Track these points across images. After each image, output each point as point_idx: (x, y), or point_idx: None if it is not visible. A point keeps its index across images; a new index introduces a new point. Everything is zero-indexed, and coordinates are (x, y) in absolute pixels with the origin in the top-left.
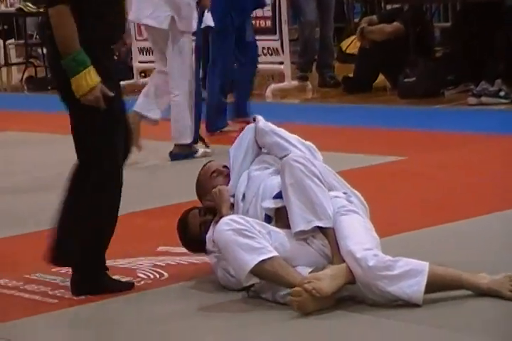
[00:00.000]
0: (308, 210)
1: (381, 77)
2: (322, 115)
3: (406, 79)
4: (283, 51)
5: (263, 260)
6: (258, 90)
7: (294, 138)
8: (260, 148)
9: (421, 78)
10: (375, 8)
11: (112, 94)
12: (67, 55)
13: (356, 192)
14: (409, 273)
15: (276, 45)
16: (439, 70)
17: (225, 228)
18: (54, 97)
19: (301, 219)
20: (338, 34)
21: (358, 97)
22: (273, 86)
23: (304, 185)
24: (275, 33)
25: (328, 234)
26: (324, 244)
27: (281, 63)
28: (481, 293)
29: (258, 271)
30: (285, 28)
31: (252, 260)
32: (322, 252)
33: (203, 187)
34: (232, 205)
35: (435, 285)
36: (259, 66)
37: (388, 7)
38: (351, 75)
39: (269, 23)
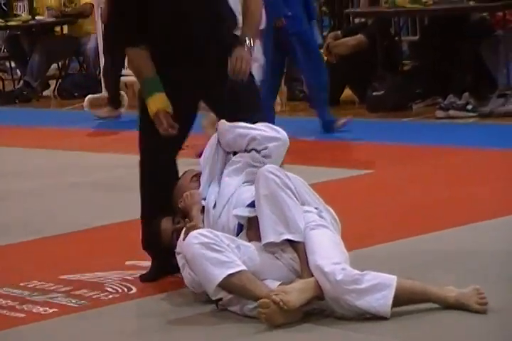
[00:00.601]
0: (280, 222)
1: (348, 91)
2: (291, 128)
3: (374, 93)
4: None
5: (231, 274)
6: None
7: (256, 125)
8: (227, 152)
9: (389, 92)
10: (343, 22)
11: (174, 125)
12: (140, 80)
13: (329, 207)
14: (376, 287)
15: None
16: (407, 84)
17: (194, 241)
18: (22, 111)
19: (271, 231)
20: None
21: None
22: None
23: (278, 197)
24: None
25: (298, 248)
26: (293, 258)
27: None
28: (449, 306)
29: (226, 284)
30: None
31: (221, 274)
32: (291, 267)
33: (179, 190)
34: (203, 208)
35: (402, 298)
36: None
37: (356, 21)
38: None
39: None
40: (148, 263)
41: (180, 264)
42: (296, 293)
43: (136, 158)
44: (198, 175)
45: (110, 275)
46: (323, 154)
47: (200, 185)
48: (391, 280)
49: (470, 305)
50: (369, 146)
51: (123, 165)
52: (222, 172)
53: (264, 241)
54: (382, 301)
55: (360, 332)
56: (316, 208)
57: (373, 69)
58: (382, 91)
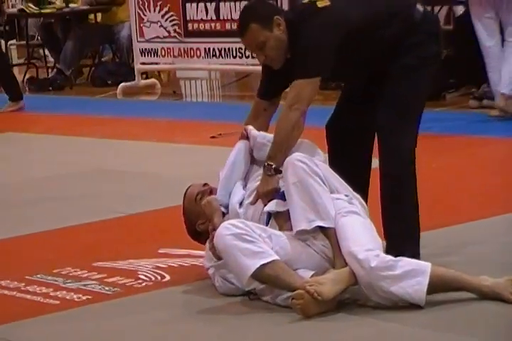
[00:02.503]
0: (310, 210)
1: None
2: (324, 118)
3: None
4: None
5: (264, 264)
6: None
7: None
8: (254, 160)
9: None
10: None
11: None
12: None
13: (357, 195)
14: (411, 273)
15: None
16: (440, 73)
17: (225, 232)
18: (55, 98)
19: (303, 219)
20: None
21: None
22: None
23: (307, 184)
24: None
25: (329, 234)
26: (325, 244)
27: None
28: (483, 295)
29: (259, 275)
30: None
31: (254, 264)
32: (323, 254)
33: (192, 213)
34: (224, 214)
35: (437, 286)
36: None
37: None
38: None
39: None
40: (181, 251)
41: (210, 274)
42: (330, 283)
43: (168, 146)
44: (199, 193)
45: (143, 262)
46: None
47: (212, 192)
48: (426, 266)
49: (504, 295)
50: None
51: (155, 154)
52: (245, 176)
53: (295, 229)
54: (417, 287)
55: (393, 321)
56: (346, 195)
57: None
58: None
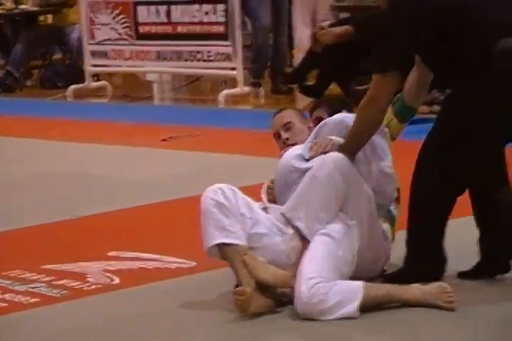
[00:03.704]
0: (304, 208)
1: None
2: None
3: (358, 87)
4: (236, 56)
5: (225, 243)
6: (210, 96)
7: None
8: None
9: None
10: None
11: None
12: None
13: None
14: (342, 302)
15: (229, 50)
16: None
17: (211, 196)
18: (4, 100)
19: (292, 206)
20: (292, 40)
21: (310, 104)
22: (225, 92)
23: (321, 184)
24: (228, 39)
25: (303, 242)
26: (295, 248)
27: (234, 69)
28: (416, 305)
29: (219, 250)
30: (238, 33)
31: (216, 238)
32: (287, 256)
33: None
34: None
35: (370, 306)
36: (211, 71)
37: (342, 16)
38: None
39: (221, 28)
40: (131, 254)
41: None
42: (266, 267)
43: (119, 149)
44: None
45: (93, 265)
46: None
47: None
48: (357, 292)
49: (439, 305)
50: None
51: (107, 156)
52: None
53: (282, 209)
54: (350, 311)
55: (335, 325)
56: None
57: (358, 62)
58: (365, 86)
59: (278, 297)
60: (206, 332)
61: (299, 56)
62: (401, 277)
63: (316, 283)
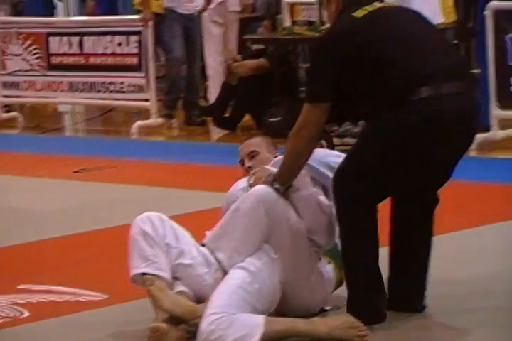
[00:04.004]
0: (229, 239)
1: (246, 117)
2: (188, 153)
3: (271, 119)
4: (149, 88)
5: (145, 273)
6: (123, 127)
7: None
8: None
9: (286, 118)
10: (241, 48)
11: None
12: None
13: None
14: (243, 338)
15: (142, 82)
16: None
17: (139, 224)
18: None
19: (215, 237)
20: (205, 72)
21: (225, 136)
22: (138, 123)
23: (244, 220)
24: (141, 70)
25: (224, 275)
26: (217, 281)
27: (147, 100)
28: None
29: (141, 279)
30: (151, 64)
31: (138, 268)
32: (210, 288)
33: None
34: None
35: (271, 340)
36: (124, 103)
37: (255, 47)
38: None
39: (135, 59)
40: (41, 287)
41: None
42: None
43: (31, 181)
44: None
45: (1, 298)
46: (220, 179)
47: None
48: (257, 327)
49: (349, 339)
50: None
51: (18, 188)
52: None
53: (205, 240)
54: None
55: None
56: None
57: (271, 94)
58: (279, 118)
59: (191, 327)
60: None
61: (212, 85)
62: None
63: (217, 319)
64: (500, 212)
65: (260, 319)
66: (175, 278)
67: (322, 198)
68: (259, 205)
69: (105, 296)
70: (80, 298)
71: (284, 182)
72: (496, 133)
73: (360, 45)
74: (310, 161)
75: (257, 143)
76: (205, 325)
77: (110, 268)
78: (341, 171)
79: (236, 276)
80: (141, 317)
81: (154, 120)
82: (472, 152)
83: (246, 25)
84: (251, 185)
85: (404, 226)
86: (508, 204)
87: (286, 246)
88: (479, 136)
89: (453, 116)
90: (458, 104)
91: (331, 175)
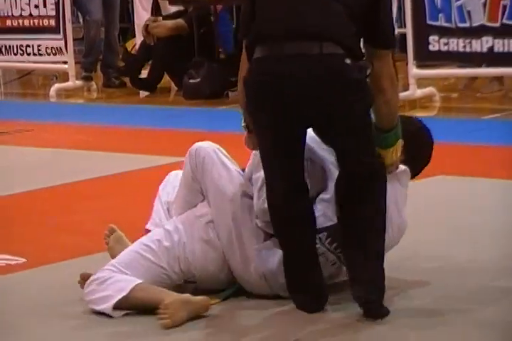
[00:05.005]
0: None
1: (166, 78)
2: (107, 115)
3: (191, 80)
4: (67, 50)
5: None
6: (42, 90)
7: None
8: None
9: (205, 79)
10: (160, 9)
11: None
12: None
13: None
14: (107, 298)
15: (60, 44)
16: (223, 72)
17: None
18: None
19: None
20: (123, 34)
21: (144, 98)
22: (57, 86)
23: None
24: (59, 32)
25: None
26: None
27: (65, 63)
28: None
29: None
30: (69, 27)
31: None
32: None
33: None
34: None
35: (127, 306)
36: (42, 65)
37: (174, 9)
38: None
39: (52, 21)
40: None
41: None
42: None
43: None
44: None
45: None
46: (139, 141)
47: None
48: (121, 292)
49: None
50: (186, 134)
51: None
52: None
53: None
54: (104, 307)
55: None
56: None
57: (190, 56)
58: (198, 79)
59: None
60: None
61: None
62: None
63: (100, 275)
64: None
65: (130, 284)
66: None
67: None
68: (187, 160)
69: (23, 260)
70: None
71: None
72: (415, 92)
73: None
74: (312, 143)
75: None
76: (91, 278)
77: (27, 233)
78: None
79: (149, 234)
80: (59, 280)
81: (73, 83)
82: None
83: None
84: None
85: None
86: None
87: (215, 207)
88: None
89: (285, 80)
90: (296, 67)
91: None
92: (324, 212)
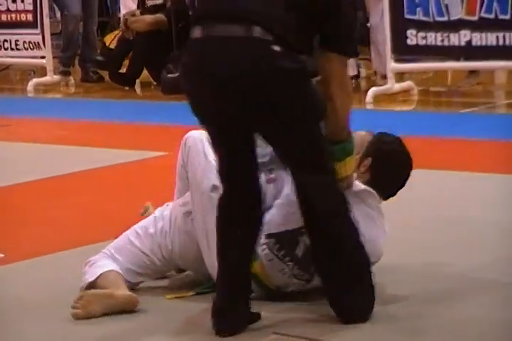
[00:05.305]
0: None
1: (145, 72)
2: (85, 110)
3: (169, 75)
4: (44, 45)
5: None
6: (19, 85)
7: None
8: None
9: None
10: (140, 3)
11: None
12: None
13: None
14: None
15: (38, 39)
16: None
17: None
18: None
19: None
20: (102, 28)
21: (123, 93)
22: (35, 80)
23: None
24: (36, 27)
25: None
26: None
27: (43, 57)
28: None
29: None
30: (47, 21)
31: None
32: None
33: None
34: None
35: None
36: (20, 60)
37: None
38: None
39: (30, 16)
40: None
41: None
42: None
43: None
44: None
45: None
46: (116, 136)
47: None
48: (92, 276)
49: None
50: (164, 129)
51: None
52: None
53: None
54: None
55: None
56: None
57: (169, 50)
58: (177, 74)
59: None
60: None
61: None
62: None
63: (97, 258)
64: None
65: (99, 271)
66: None
67: None
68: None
69: (1, 255)
70: None
71: None
72: (393, 86)
73: None
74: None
75: None
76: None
77: (4, 228)
78: None
79: (143, 220)
80: (39, 275)
81: (51, 77)
82: (369, 105)
83: None
84: None
85: None
86: None
87: (191, 198)
88: (376, 89)
89: (215, 62)
90: (223, 49)
91: None
92: (274, 217)
